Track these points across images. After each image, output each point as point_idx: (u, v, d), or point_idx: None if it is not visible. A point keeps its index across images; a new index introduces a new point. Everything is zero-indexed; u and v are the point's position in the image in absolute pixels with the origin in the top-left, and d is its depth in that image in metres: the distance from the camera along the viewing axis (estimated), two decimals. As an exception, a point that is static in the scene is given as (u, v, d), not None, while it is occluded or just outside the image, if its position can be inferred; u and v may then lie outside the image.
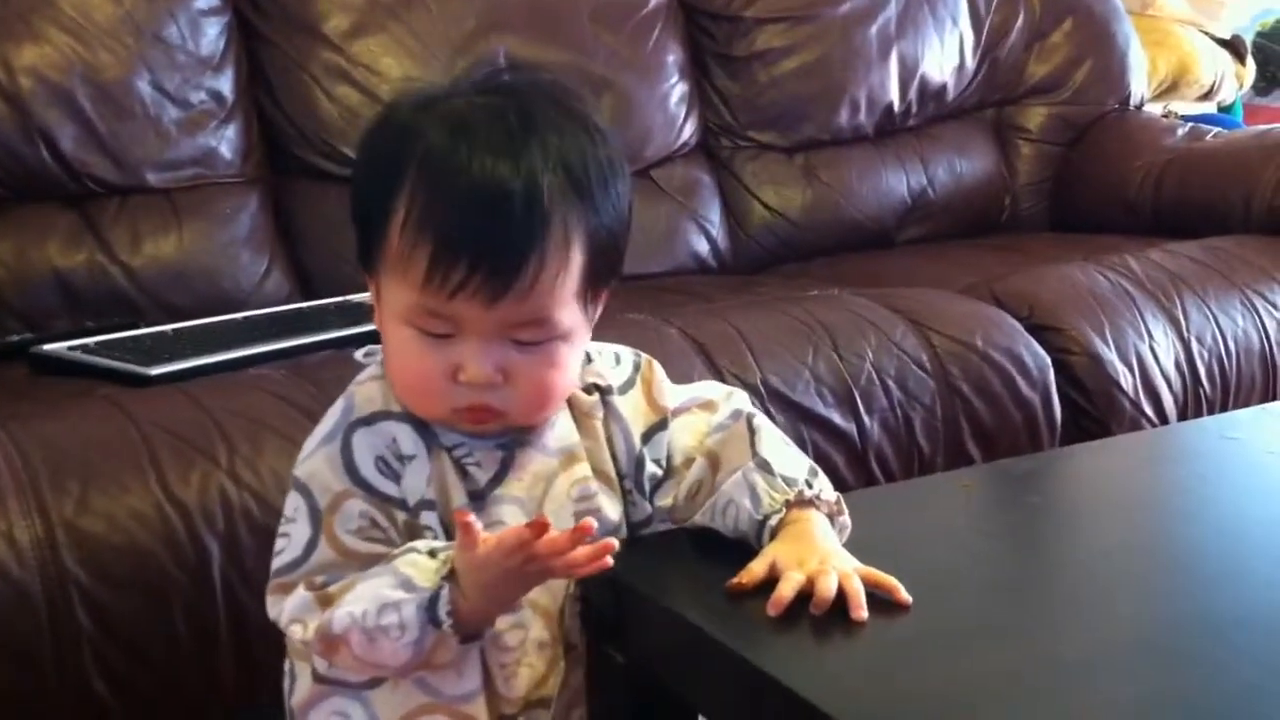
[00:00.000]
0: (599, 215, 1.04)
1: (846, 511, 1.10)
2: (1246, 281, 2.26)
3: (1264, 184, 2.55)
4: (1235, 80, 3.80)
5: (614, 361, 1.16)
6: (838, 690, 0.90)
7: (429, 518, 1.06)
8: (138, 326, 2.01)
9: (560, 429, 1.11)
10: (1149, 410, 2.08)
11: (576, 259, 1.03)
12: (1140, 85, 3.05)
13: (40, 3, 2.15)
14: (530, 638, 1.08)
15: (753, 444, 1.12)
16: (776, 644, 0.97)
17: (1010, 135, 2.94)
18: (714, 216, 2.66)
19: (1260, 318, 2.22)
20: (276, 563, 1.07)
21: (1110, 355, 2.08)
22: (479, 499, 1.08)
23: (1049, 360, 2.04)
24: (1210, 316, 2.19)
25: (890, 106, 2.81)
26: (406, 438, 1.07)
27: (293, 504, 1.07)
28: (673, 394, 1.16)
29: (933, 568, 1.09)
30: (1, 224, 2.11)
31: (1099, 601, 1.05)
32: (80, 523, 1.46)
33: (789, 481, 1.09)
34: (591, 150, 1.04)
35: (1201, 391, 2.15)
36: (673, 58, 2.65)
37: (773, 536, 1.07)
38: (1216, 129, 2.93)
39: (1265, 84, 4.07)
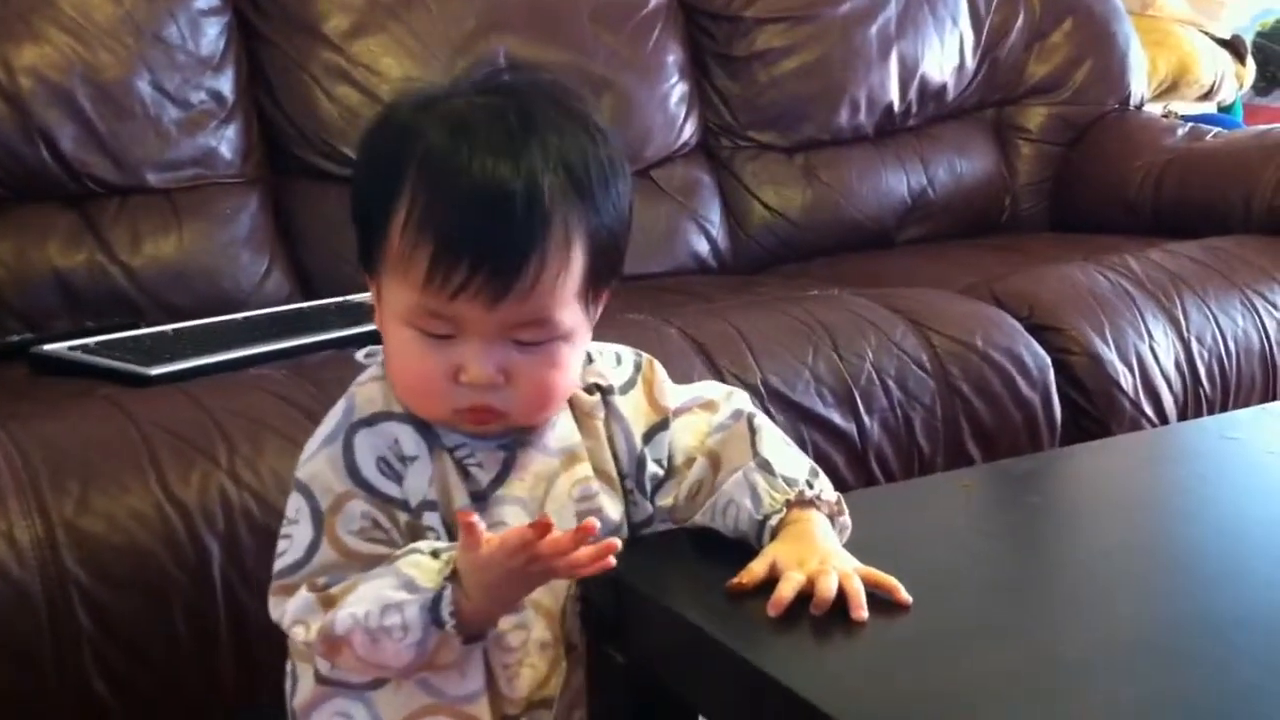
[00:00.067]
0: (600, 215, 1.04)
1: (847, 512, 1.10)
2: (1246, 281, 2.26)
3: (1264, 184, 2.55)
4: (1235, 80, 3.80)
5: (615, 361, 1.16)
6: (838, 690, 0.90)
7: (431, 518, 1.06)
8: (138, 326, 2.01)
9: (561, 429, 1.11)
10: (1149, 410, 2.08)
11: (577, 259, 1.03)
12: (1140, 85, 3.05)
13: (40, 3, 2.15)
14: (532, 638, 1.08)
15: (753, 444, 1.12)
16: (777, 644, 0.97)
17: (1010, 135, 2.95)
18: (714, 216, 2.66)
19: (1260, 318, 2.22)
20: (278, 564, 1.07)
21: (1110, 355, 2.08)
22: (481, 499, 1.08)
23: (1049, 360, 2.04)
24: (1210, 316, 2.19)
25: (890, 106, 2.81)
26: (408, 438, 1.07)
27: (294, 505, 1.06)
28: (674, 394, 1.16)
29: (933, 568, 1.09)
30: (1, 224, 2.11)
31: (1099, 601, 1.05)
32: (80, 523, 1.46)
33: (789, 482, 1.09)
34: (592, 150, 1.04)
35: (1201, 391, 2.15)
36: (673, 58, 2.65)
37: (773, 536, 1.07)
38: (1216, 129, 2.93)
39: (1265, 84, 4.07)
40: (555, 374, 1.06)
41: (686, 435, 1.15)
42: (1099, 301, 2.14)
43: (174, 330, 1.97)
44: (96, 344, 1.88)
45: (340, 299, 2.12)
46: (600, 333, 1.12)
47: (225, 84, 2.28)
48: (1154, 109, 3.38)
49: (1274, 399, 2.20)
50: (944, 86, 2.87)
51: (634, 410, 1.14)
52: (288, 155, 2.35)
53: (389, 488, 1.06)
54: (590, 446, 1.12)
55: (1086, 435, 2.02)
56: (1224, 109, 3.86)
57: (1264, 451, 1.39)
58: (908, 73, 2.82)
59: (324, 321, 2.00)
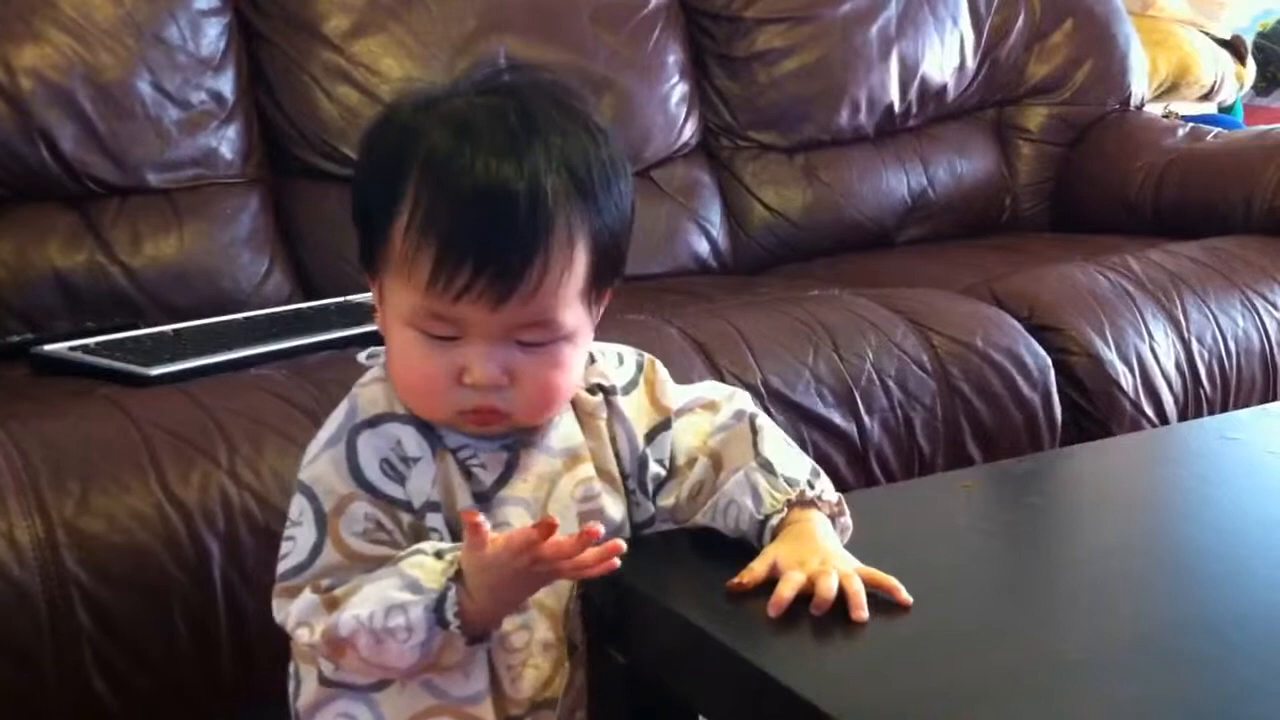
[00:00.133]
0: (602, 215, 1.04)
1: (848, 512, 1.10)
2: (1247, 282, 2.26)
3: (1264, 184, 2.55)
4: (1236, 80, 3.79)
5: (617, 362, 1.16)
6: (838, 690, 0.90)
7: (434, 519, 1.06)
8: (138, 327, 2.01)
9: (564, 429, 1.11)
10: (1149, 410, 2.08)
11: (580, 260, 1.03)
12: (1141, 86, 3.05)
13: (41, 3, 2.15)
14: (536, 639, 1.08)
15: (755, 444, 1.12)
16: (777, 644, 0.97)
17: (1010, 135, 2.95)
18: (714, 217, 2.66)
19: (1261, 318, 2.22)
20: (282, 566, 1.06)
21: (1110, 355, 2.08)
22: (484, 500, 1.08)
23: (1049, 360, 2.04)
24: (1211, 317, 2.19)
25: (890, 107, 2.81)
26: (411, 439, 1.07)
27: (297, 507, 1.06)
28: (676, 394, 1.16)
29: (933, 568, 1.09)
30: (2, 224, 2.11)
31: (1099, 601, 1.04)
32: (81, 523, 1.46)
33: (790, 482, 1.09)
34: (594, 150, 1.04)
35: (1202, 392, 2.15)
36: (673, 58, 2.65)
37: (774, 537, 1.07)
38: (1217, 129, 2.93)
39: (1266, 84, 4.06)
40: (558, 374, 1.06)
41: (688, 435, 1.14)
42: (1099, 302, 2.14)
43: (174, 330, 1.97)
44: (97, 344, 1.88)
45: (340, 299, 2.13)
46: (601, 333, 1.12)
47: (226, 84, 2.28)
48: (1154, 109, 3.38)
49: (1274, 399, 2.20)
50: (944, 87, 2.87)
51: (636, 410, 1.14)
52: (288, 155, 2.35)
53: (392, 489, 1.06)
54: (593, 447, 1.12)
55: (1087, 435, 2.02)
56: (1224, 109, 3.86)
57: (1264, 452, 1.39)
58: (908, 73, 2.82)
59: (324, 322, 2.00)
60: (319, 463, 1.07)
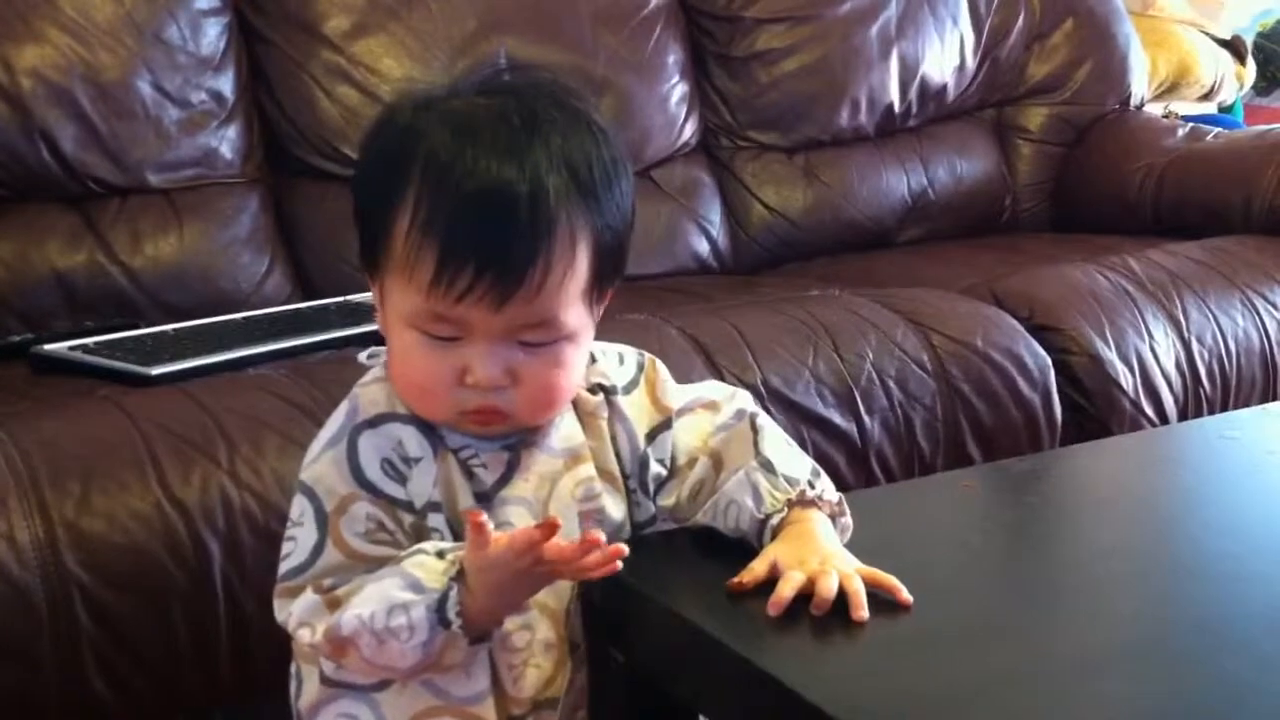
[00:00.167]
0: (604, 216, 1.04)
1: (848, 512, 1.10)
2: (1247, 282, 2.26)
3: (1264, 184, 2.55)
4: (1236, 80, 3.79)
5: (618, 361, 1.16)
6: (838, 690, 0.90)
7: (436, 519, 1.06)
8: (138, 326, 2.01)
9: (565, 429, 1.11)
10: (1149, 410, 2.08)
11: (582, 260, 1.03)
12: (1141, 86, 3.05)
13: (41, 3, 2.15)
14: (537, 638, 1.08)
15: (756, 444, 1.12)
16: (777, 644, 0.97)
17: (1010, 136, 2.94)
18: (714, 217, 2.66)
19: (1260, 318, 2.22)
20: (283, 566, 1.06)
21: (1110, 355, 2.08)
22: (485, 500, 1.08)
23: (1049, 360, 2.04)
24: (1210, 316, 2.19)
25: (890, 107, 2.81)
26: (412, 439, 1.07)
27: (299, 507, 1.06)
28: (677, 394, 1.16)
29: (934, 568, 1.10)
30: (2, 224, 2.11)
31: (1100, 601, 1.05)
32: (81, 523, 1.46)
33: (791, 481, 1.09)
34: (595, 150, 1.04)
35: (1202, 391, 2.15)
36: (673, 58, 2.65)
37: (774, 536, 1.07)
38: (1217, 129, 2.93)
39: (1266, 84, 4.06)
40: (560, 374, 1.06)
41: (689, 435, 1.14)
42: (1099, 302, 2.14)
43: (174, 330, 1.97)
44: (97, 344, 1.88)
45: (340, 299, 2.13)
46: (601, 333, 1.12)
47: (226, 84, 2.28)
48: (1154, 109, 3.38)
49: (1274, 399, 2.20)
50: (944, 87, 2.87)
51: (637, 410, 1.14)
52: (288, 155, 2.35)
53: (393, 489, 1.06)
54: (594, 446, 1.12)
55: (1087, 435, 2.02)
56: (1224, 109, 3.86)
57: (1264, 451, 1.39)
58: (908, 73, 2.82)
59: (324, 321, 2.00)
60: (320, 463, 1.06)
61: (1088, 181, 2.87)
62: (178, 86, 2.22)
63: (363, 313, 1.98)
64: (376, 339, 1.12)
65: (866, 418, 1.88)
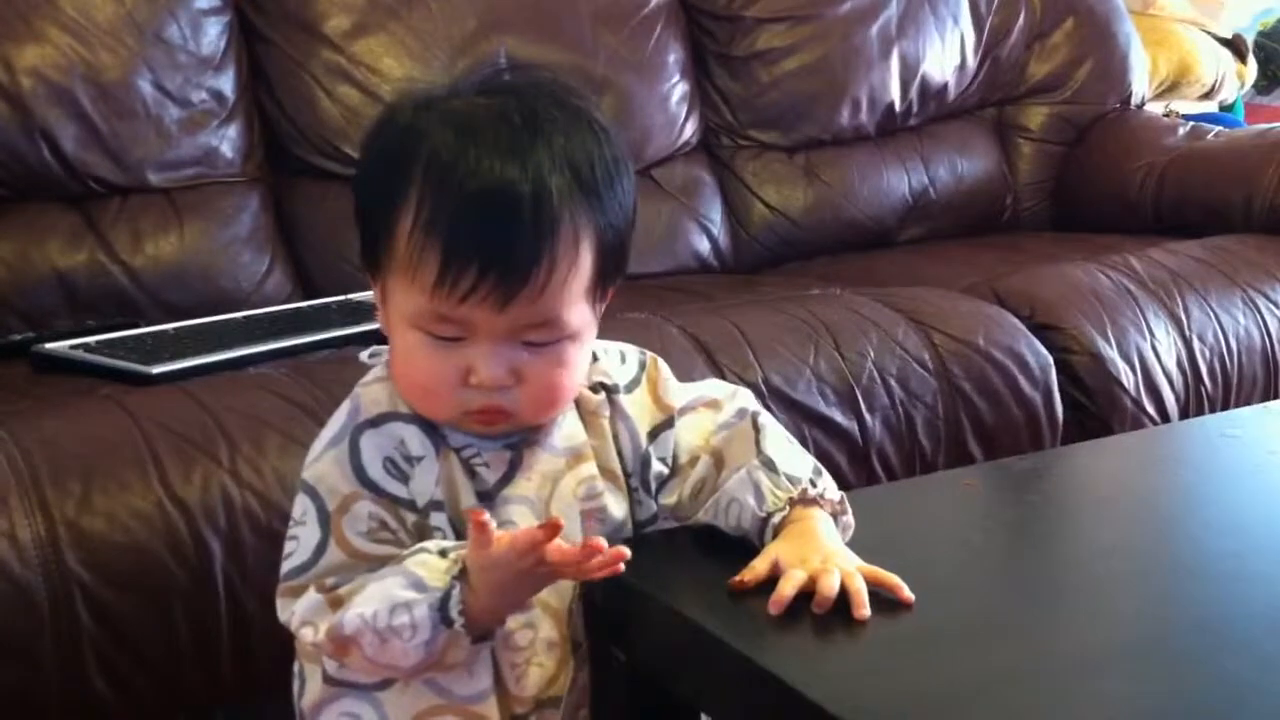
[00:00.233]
0: (606, 214, 1.04)
1: (850, 511, 1.10)
2: (1248, 280, 2.26)
3: (1265, 183, 2.55)
4: (1236, 79, 3.79)
5: (620, 360, 1.16)
6: (839, 688, 0.90)
7: (438, 518, 1.06)
8: (139, 326, 2.01)
9: (567, 428, 1.11)
10: (1150, 409, 2.08)
11: (586, 259, 1.03)
12: (1141, 84, 3.05)
13: (41, 3, 2.15)
14: (540, 637, 1.08)
15: (757, 442, 1.12)
16: (778, 642, 0.97)
17: (1011, 135, 2.94)
18: (715, 216, 2.66)
19: (1262, 316, 2.22)
20: (286, 566, 1.06)
21: (1112, 354, 2.08)
22: (488, 499, 1.08)
23: (1051, 359, 2.04)
24: (1212, 315, 2.19)
25: (891, 106, 2.81)
26: (414, 439, 1.07)
27: (301, 507, 1.06)
28: (679, 392, 1.16)
29: (935, 566, 1.09)
30: (3, 224, 2.11)
31: (1101, 600, 1.05)
32: (82, 522, 1.46)
33: (793, 480, 1.09)
34: (597, 149, 1.04)
35: (1203, 390, 2.15)
36: (674, 57, 2.65)
37: (775, 535, 1.07)
38: (1218, 128, 2.93)
39: (1266, 83, 4.06)
40: (563, 373, 1.06)
41: (691, 434, 1.14)
42: (1100, 300, 2.14)
43: (175, 329, 1.97)
44: (98, 343, 1.88)
45: (341, 298, 2.13)
46: (602, 331, 1.12)
47: (226, 83, 2.28)
48: (1155, 108, 3.38)
49: (1275, 397, 2.20)
50: (945, 86, 2.87)
51: (639, 409, 1.14)
52: (289, 155, 2.35)
53: (395, 488, 1.06)
54: (595, 445, 1.12)
55: (1088, 434, 2.02)
56: (1225, 108, 3.86)
57: (1265, 450, 1.39)
58: (909, 72, 2.82)
59: (325, 320, 2.00)
60: (322, 462, 1.06)
61: (1089, 180, 2.87)
62: (178, 86, 2.22)
63: (363, 311, 1.98)
64: (377, 338, 1.12)
65: (868, 416, 1.88)
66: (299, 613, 1.04)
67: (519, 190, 1.00)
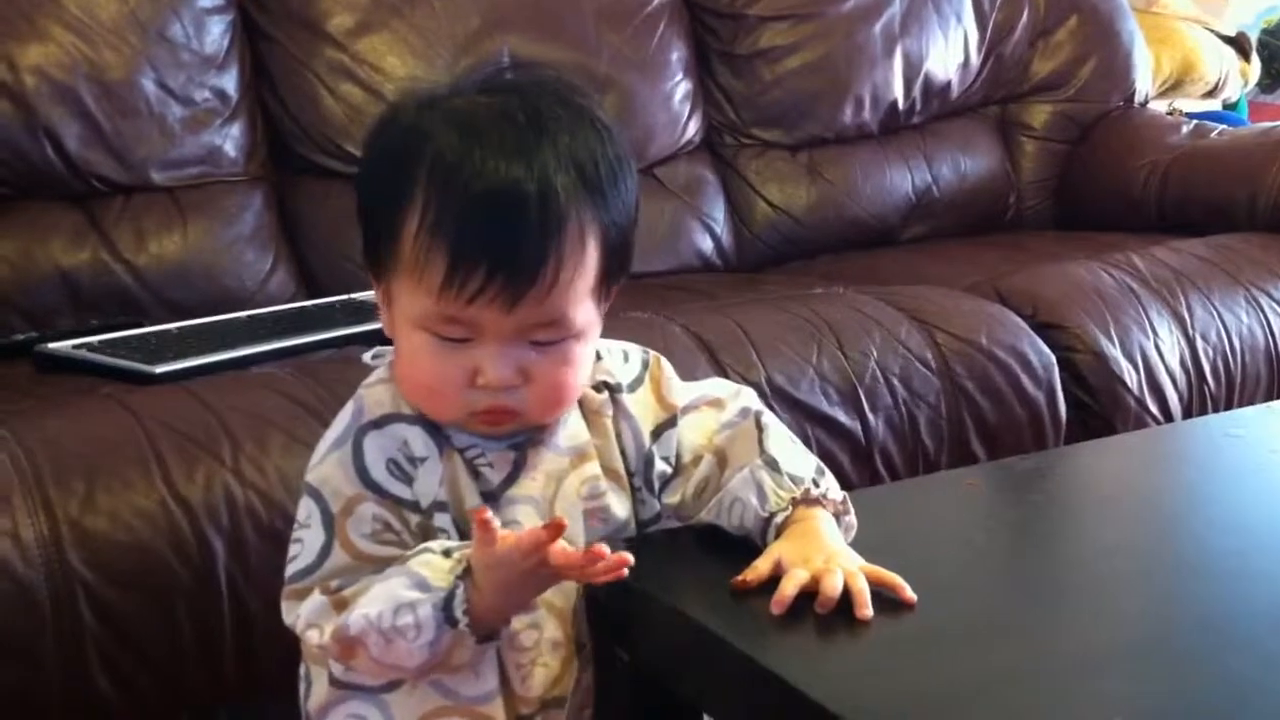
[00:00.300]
0: (611, 213, 1.04)
1: (852, 511, 1.10)
2: (1251, 279, 2.26)
3: (1269, 181, 2.54)
4: (1240, 77, 3.79)
5: (623, 359, 1.16)
6: (842, 688, 0.90)
7: (442, 519, 1.06)
8: (142, 325, 2.01)
9: (571, 427, 1.11)
10: (1154, 408, 2.08)
11: (591, 257, 1.03)
12: (1145, 82, 3.04)
13: (45, 1, 2.15)
14: (545, 637, 1.08)
15: (760, 442, 1.12)
16: (781, 642, 0.97)
17: (1015, 133, 2.94)
18: (718, 214, 2.66)
19: (1265, 315, 2.22)
20: (290, 569, 1.06)
21: (1115, 353, 2.07)
22: (492, 499, 1.07)
23: (1054, 358, 2.04)
24: (1215, 314, 2.18)
25: (894, 104, 2.81)
26: (417, 440, 1.07)
27: (305, 509, 1.06)
28: (682, 391, 1.16)
29: (938, 566, 1.09)
30: (6, 222, 2.11)
31: (1103, 600, 1.05)
32: (85, 521, 1.46)
33: (795, 480, 1.08)
34: (601, 148, 1.04)
35: (1206, 389, 2.14)
36: (676, 56, 2.64)
37: (778, 534, 1.07)
38: (1221, 126, 2.92)
39: (1270, 81, 4.06)
40: (569, 372, 1.06)
41: (694, 433, 1.14)
42: (1104, 299, 2.14)
43: (178, 328, 1.97)
44: (101, 342, 1.88)
45: (344, 297, 2.13)
46: (605, 331, 1.12)
47: (229, 82, 2.28)
48: (1159, 106, 3.37)
49: (1279, 397, 2.20)
50: (948, 84, 2.87)
51: (642, 408, 1.14)
52: (292, 153, 2.35)
53: (399, 489, 1.06)
54: (599, 445, 1.12)
55: (1091, 433, 2.02)
56: (1229, 106, 3.86)
57: (1269, 450, 1.39)
58: (912, 70, 2.82)
59: (328, 320, 2.00)
60: (326, 464, 1.06)
61: (1092, 179, 2.87)
62: (181, 84, 2.22)
63: (367, 311, 1.98)
64: (381, 337, 1.12)
65: (871, 416, 1.88)
66: (304, 615, 1.04)
67: (525, 190, 1.00)
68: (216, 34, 2.28)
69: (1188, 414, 2.11)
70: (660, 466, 1.14)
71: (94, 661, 1.44)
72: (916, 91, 2.83)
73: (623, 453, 1.13)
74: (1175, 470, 1.37)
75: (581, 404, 1.12)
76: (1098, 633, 0.98)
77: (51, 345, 1.90)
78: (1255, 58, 3.85)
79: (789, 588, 0.99)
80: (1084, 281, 2.18)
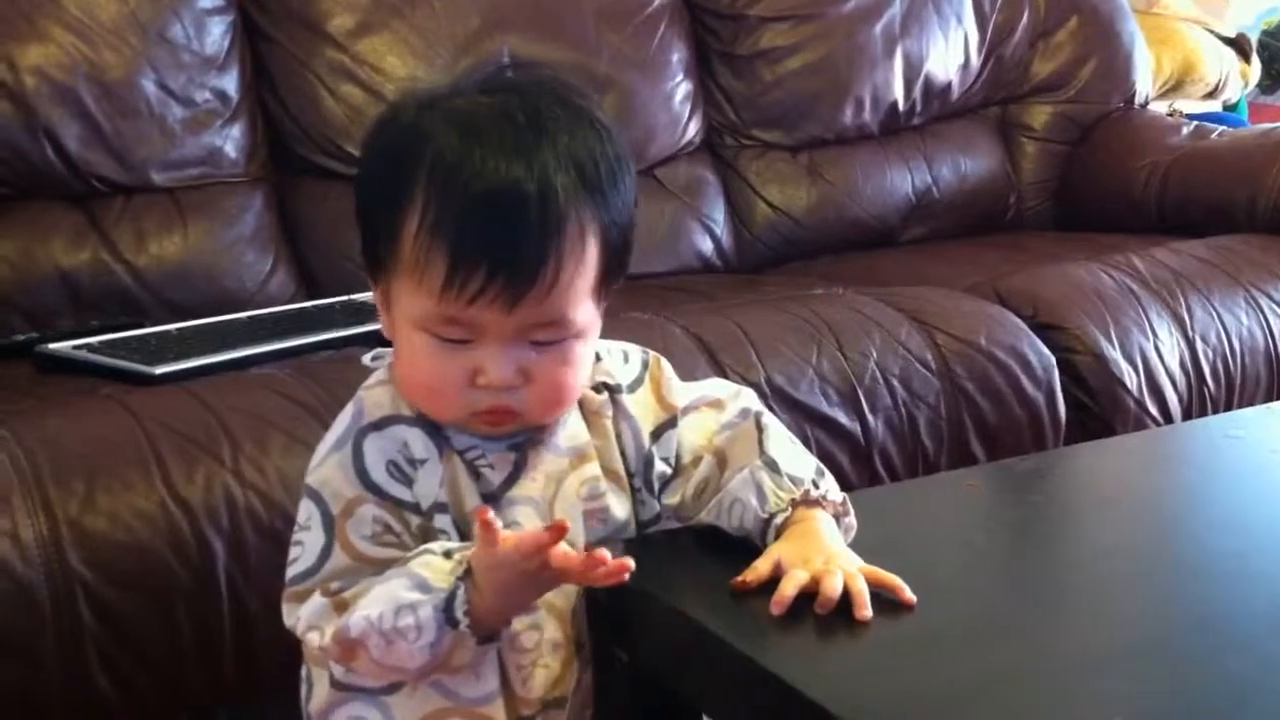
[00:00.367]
0: (610, 212, 1.04)
1: (852, 512, 1.10)
2: (1251, 280, 2.26)
3: (1269, 182, 2.54)
4: (1240, 78, 3.79)
5: (622, 360, 1.16)
6: (841, 688, 0.90)
7: (443, 521, 1.06)
8: (142, 325, 2.01)
9: (571, 428, 1.11)
10: (1153, 409, 2.08)
11: (592, 257, 1.03)
12: (1145, 84, 3.04)
13: (45, 2, 2.15)
14: (545, 638, 1.08)
15: (760, 443, 1.12)
16: (780, 643, 0.97)
17: (1015, 134, 2.94)
18: (718, 215, 2.66)
19: (1265, 316, 2.22)
20: (291, 571, 1.06)
21: (1115, 354, 2.07)
22: (492, 501, 1.07)
23: (1053, 359, 2.04)
24: (1215, 315, 2.18)
25: (895, 105, 2.81)
26: (417, 441, 1.07)
27: (305, 512, 1.06)
28: (681, 392, 1.16)
29: (937, 567, 1.10)
30: (6, 223, 2.11)
31: (1103, 601, 1.05)
32: (85, 521, 1.46)
33: (795, 481, 1.09)
34: (600, 148, 1.04)
35: (1206, 390, 2.14)
36: (677, 56, 2.64)
37: (778, 535, 1.07)
38: (1221, 127, 2.93)
39: (1270, 82, 4.06)
40: (569, 372, 1.06)
41: (694, 434, 1.14)
42: (1103, 300, 2.14)
43: (178, 329, 1.97)
44: (101, 343, 1.88)
45: (344, 298, 2.13)
46: (604, 331, 1.12)
47: (230, 83, 2.28)
48: (1159, 107, 3.38)
49: (1279, 398, 2.20)
50: (949, 85, 2.87)
51: (642, 409, 1.14)
52: (292, 154, 2.35)
53: (399, 491, 1.06)
54: (599, 445, 1.12)
55: (1091, 434, 2.02)
56: (1229, 107, 3.86)
57: (1268, 450, 1.39)
58: (912, 71, 2.82)
59: (328, 320, 2.00)
60: (325, 466, 1.06)
61: (1092, 180, 2.87)
62: (182, 85, 2.23)
63: (367, 312, 1.98)
64: (380, 338, 1.12)
65: (870, 416, 1.88)
66: (305, 617, 1.04)
67: (525, 190, 1.00)
68: (217, 35, 2.28)
69: (1187, 415, 2.11)
70: (660, 467, 1.14)
71: (94, 661, 1.44)
72: (917, 92, 2.83)
73: (623, 453, 1.13)
74: (1175, 471, 1.37)
75: (581, 405, 1.12)
76: (1097, 633, 0.98)
77: (52, 346, 1.90)
78: (1255, 59, 3.85)
79: (788, 588, 0.99)
80: (1084, 283, 2.18)
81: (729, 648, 0.96)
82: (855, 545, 1.06)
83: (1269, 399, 2.18)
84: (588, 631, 1.10)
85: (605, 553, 0.97)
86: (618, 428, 1.13)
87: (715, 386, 1.19)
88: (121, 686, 1.46)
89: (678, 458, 1.14)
